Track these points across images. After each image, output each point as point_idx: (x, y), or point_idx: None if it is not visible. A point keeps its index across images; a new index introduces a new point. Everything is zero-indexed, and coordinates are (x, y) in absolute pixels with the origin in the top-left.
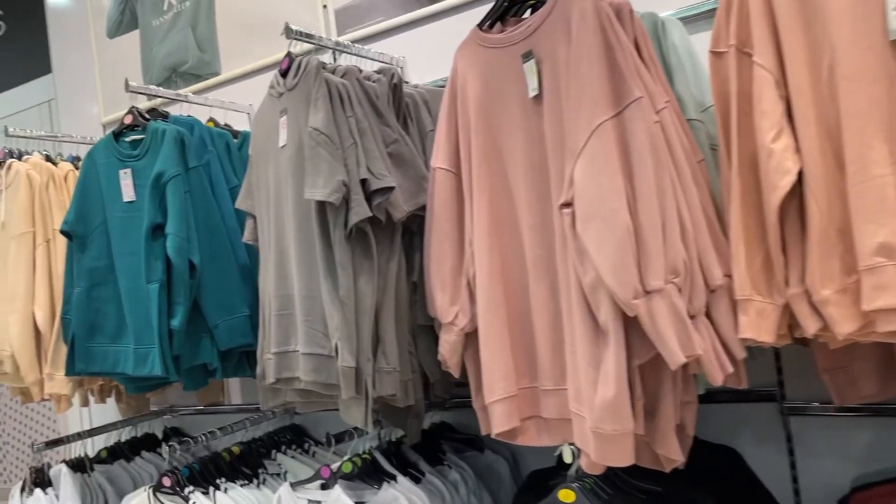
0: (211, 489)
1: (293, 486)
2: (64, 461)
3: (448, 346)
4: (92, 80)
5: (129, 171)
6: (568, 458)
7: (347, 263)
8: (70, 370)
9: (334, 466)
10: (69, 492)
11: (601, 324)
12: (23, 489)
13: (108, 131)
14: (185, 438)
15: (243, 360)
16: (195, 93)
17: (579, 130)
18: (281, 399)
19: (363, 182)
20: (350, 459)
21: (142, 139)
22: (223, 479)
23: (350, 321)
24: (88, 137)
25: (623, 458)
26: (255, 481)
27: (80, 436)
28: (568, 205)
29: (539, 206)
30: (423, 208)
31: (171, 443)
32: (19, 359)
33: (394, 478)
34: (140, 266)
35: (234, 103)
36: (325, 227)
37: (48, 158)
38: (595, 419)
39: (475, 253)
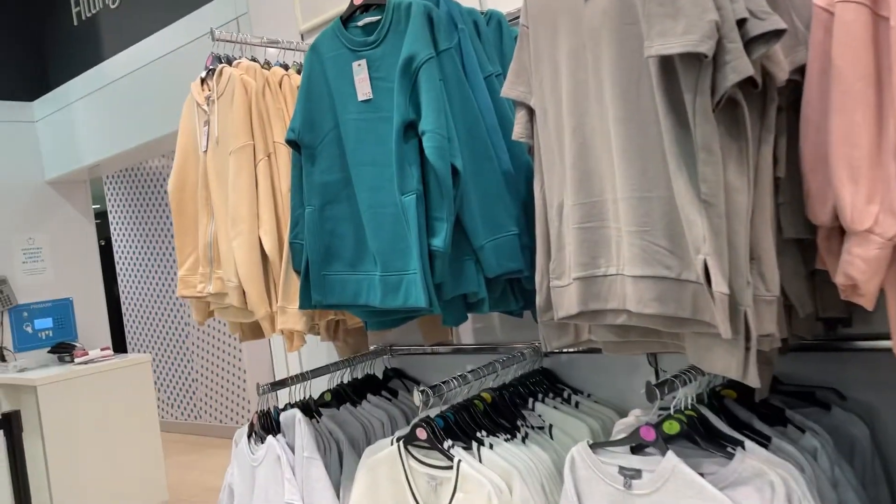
0: (474, 444)
1: (593, 447)
2: (288, 404)
3: (864, 265)
4: None
5: (363, 62)
6: None
7: (714, 147)
8: (305, 303)
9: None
10: (306, 440)
11: None
12: (250, 435)
13: (335, 19)
14: (430, 384)
15: (507, 289)
16: None
17: None
18: (571, 338)
19: (740, 24)
20: (674, 417)
21: (378, 21)
22: (483, 433)
23: (720, 229)
24: (301, 42)
25: None
26: (517, 435)
27: (302, 377)
28: None
29: None
30: (799, 70)
31: (421, 387)
32: (248, 290)
33: (740, 443)
34: (384, 176)
35: None
36: (673, 97)
37: (263, 63)
38: None
39: None
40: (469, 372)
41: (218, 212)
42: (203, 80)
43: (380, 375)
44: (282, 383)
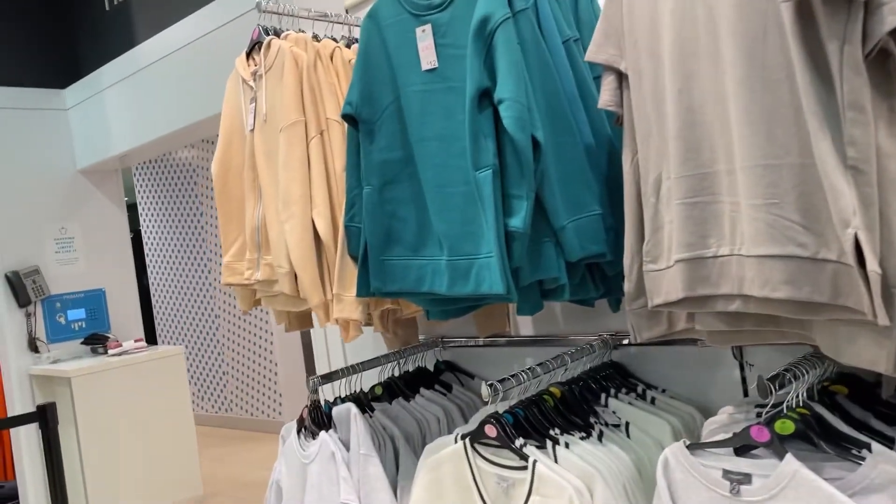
0: (548, 443)
1: (691, 448)
2: (339, 398)
3: None
4: None
5: (428, 27)
6: None
7: (866, 104)
8: (363, 290)
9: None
10: (363, 436)
11: None
12: (299, 430)
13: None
14: (486, 378)
15: (586, 275)
16: None
17: None
18: (664, 328)
19: None
20: (787, 416)
21: None
22: (557, 430)
23: (871, 199)
24: (348, 16)
25: None
26: (592, 433)
27: (353, 369)
28: None
29: None
30: None
31: (490, 382)
32: (301, 276)
33: (866, 446)
34: (452, 152)
35: None
36: (812, 49)
37: (313, 36)
38: None
39: None
40: (538, 365)
41: (267, 194)
42: (248, 55)
43: (431, 368)
44: (332, 376)
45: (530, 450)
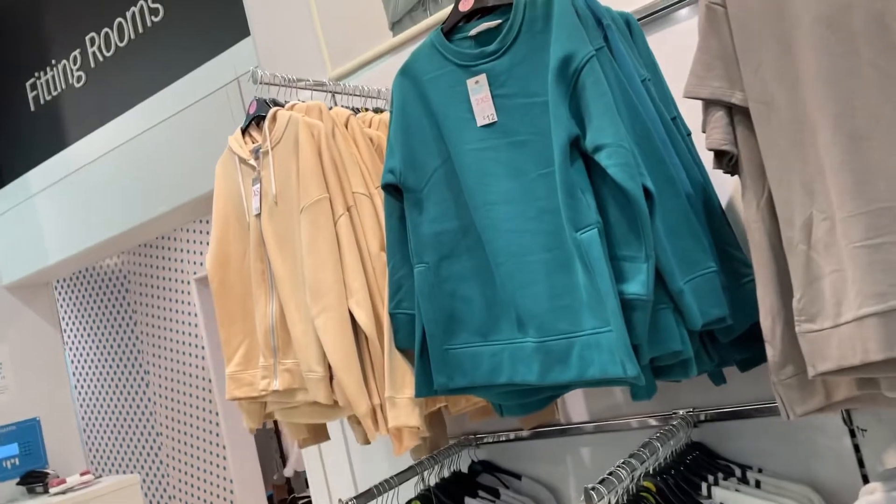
0: None
1: None
2: None
3: None
4: (306, 32)
5: (482, 77)
6: None
7: None
8: (423, 389)
9: None
10: None
11: None
12: None
13: (430, 33)
14: (537, 477)
15: (700, 344)
16: None
17: None
18: (821, 398)
19: None
20: None
21: (498, 26)
22: None
23: None
24: (348, 85)
25: None
26: None
27: (388, 484)
28: None
29: None
30: None
31: (590, 487)
32: (345, 380)
33: None
34: (526, 215)
35: None
36: None
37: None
38: None
39: None
40: (631, 457)
41: (283, 286)
42: (244, 132)
43: (465, 471)
44: (365, 496)
45: None
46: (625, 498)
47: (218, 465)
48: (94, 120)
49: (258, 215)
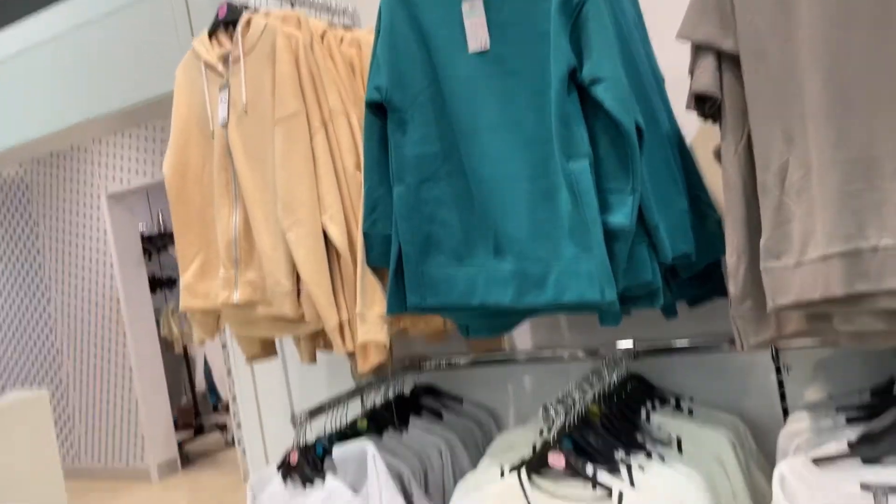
0: (622, 468)
1: (818, 462)
2: (328, 436)
3: None
4: None
5: (477, 2)
6: None
7: None
8: (396, 306)
9: None
10: (384, 481)
11: None
12: (286, 476)
13: None
14: (478, 402)
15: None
16: None
17: None
18: (772, 332)
19: None
20: None
21: None
22: (621, 452)
23: None
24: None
25: None
26: (652, 454)
27: (338, 401)
28: None
29: None
30: None
31: (548, 404)
32: (316, 294)
33: None
34: (515, 143)
35: None
36: None
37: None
38: None
39: None
40: (584, 380)
41: (251, 198)
42: (212, 35)
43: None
44: (317, 411)
45: (605, 477)
46: (576, 419)
47: (124, 387)
48: (8, 12)
49: (225, 124)
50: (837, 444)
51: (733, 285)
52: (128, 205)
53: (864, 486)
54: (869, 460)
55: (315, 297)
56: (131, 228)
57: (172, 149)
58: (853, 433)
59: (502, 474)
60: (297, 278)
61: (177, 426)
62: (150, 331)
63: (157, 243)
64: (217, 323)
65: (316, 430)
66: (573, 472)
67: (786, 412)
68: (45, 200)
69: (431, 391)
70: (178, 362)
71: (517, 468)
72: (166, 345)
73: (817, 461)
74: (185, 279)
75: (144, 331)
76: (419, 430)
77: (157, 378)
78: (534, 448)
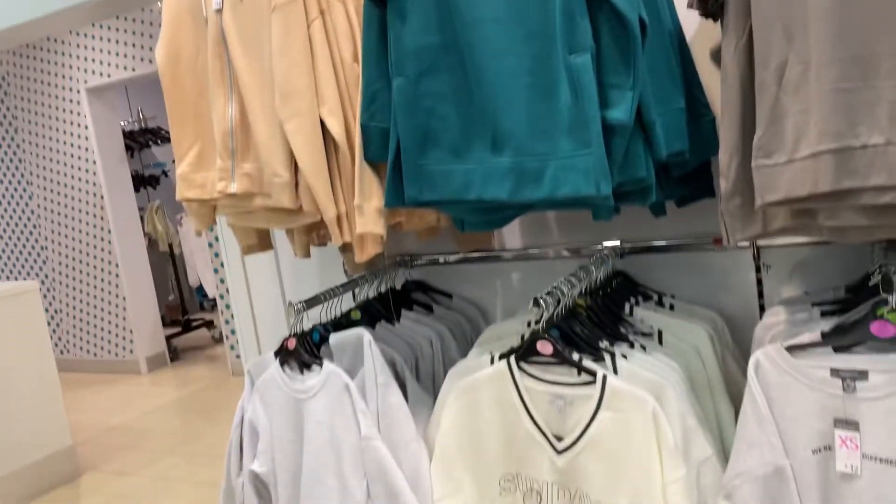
0: (606, 356)
1: (791, 350)
2: (321, 325)
3: None
4: None
5: None
6: None
7: None
8: (393, 199)
9: None
10: (379, 366)
11: None
12: (283, 363)
13: None
14: (468, 298)
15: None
16: None
17: None
18: (758, 227)
19: None
20: (894, 309)
21: None
22: (606, 342)
23: None
24: None
25: None
26: (634, 345)
27: (333, 292)
28: None
29: None
30: None
31: (539, 296)
32: (315, 185)
33: None
34: (515, 36)
35: None
36: None
37: None
38: None
39: None
40: (572, 275)
41: (247, 86)
42: None
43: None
44: (314, 301)
45: (590, 364)
46: (563, 311)
47: (111, 283)
48: None
49: (219, 10)
50: (811, 334)
51: (724, 182)
52: (108, 100)
53: (834, 372)
54: (839, 349)
55: (314, 188)
56: (112, 124)
57: (164, 36)
58: (827, 325)
59: (492, 361)
60: (295, 169)
61: (164, 323)
62: (135, 228)
63: (139, 140)
64: (213, 214)
65: (309, 322)
66: (560, 359)
67: (763, 309)
68: (22, 94)
69: (422, 287)
70: (164, 260)
71: (506, 355)
72: (151, 243)
73: (791, 349)
74: (181, 169)
75: (129, 228)
76: (410, 322)
77: (143, 275)
78: (522, 337)
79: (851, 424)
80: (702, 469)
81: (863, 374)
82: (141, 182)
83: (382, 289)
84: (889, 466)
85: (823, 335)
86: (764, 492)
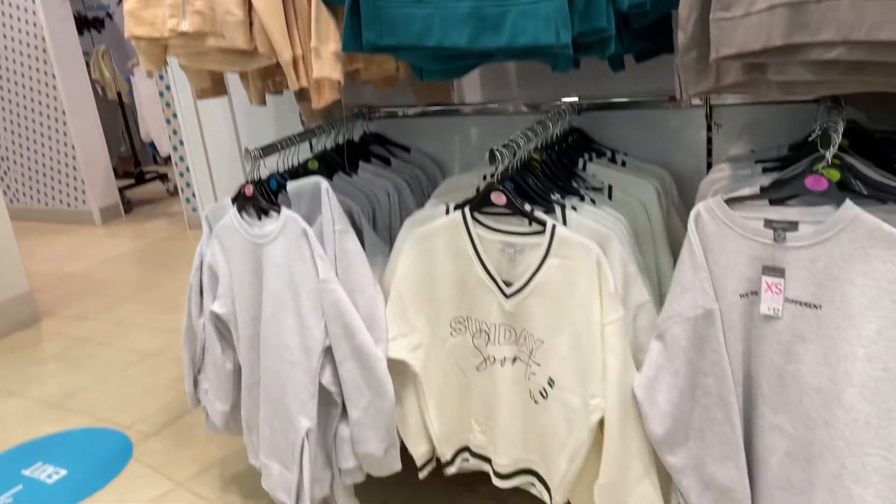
0: (557, 208)
1: (731, 202)
2: (278, 173)
3: None
4: None
5: None
6: None
7: None
8: (351, 43)
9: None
10: (337, 213)
11: None
12: (240, 209)
13: None
14: (425, 151)
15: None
16: None
17: None
18: (711, 82)
19: None
20: (833, 166)
21: None
22: (557, 195)
23: None
24: None
25: None
26: (585, 198)
27: (291, 141)
28: None
29: None
30: None
31: (495, 148)
32: (270, 25)
33: None
34: None
35: None
36: None
37: None
38: None
39: None
40: (529, 130)
41: None
42: None
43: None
44: (270, 148)
45: (541, 215)
46: (518, 164)
47: (58, 131)
48: None
49: None
50: (751, 189)
51: (682, 35)
52: None
53: (767, 223)
54: (775, 202)
55: (269, 28)
56: None
57: None
58: (767, 180)
59: (447, 211)
60: (249, 9)
61: (117, 174)
62: (81, 73)
63: None
64: (164, 54)
65: (266, 172)
66: (513, 209)
67: (710, 166)
68: None
69: (380, 139)
70: (113, 109)
71: (461, 206)
72: (99, 90)
73: (729, 201)
74: (129, 5)
75: (74, 73)
76: (368, 174)
77: (91, 122)
78: (477, 189)
79: (778, 271)
80: (639, 312)
81: (793, 225)
82: (84, 24)
83: (340, 140)
84: (807, 308)
85: (762, 189)
86: (693, 332)
